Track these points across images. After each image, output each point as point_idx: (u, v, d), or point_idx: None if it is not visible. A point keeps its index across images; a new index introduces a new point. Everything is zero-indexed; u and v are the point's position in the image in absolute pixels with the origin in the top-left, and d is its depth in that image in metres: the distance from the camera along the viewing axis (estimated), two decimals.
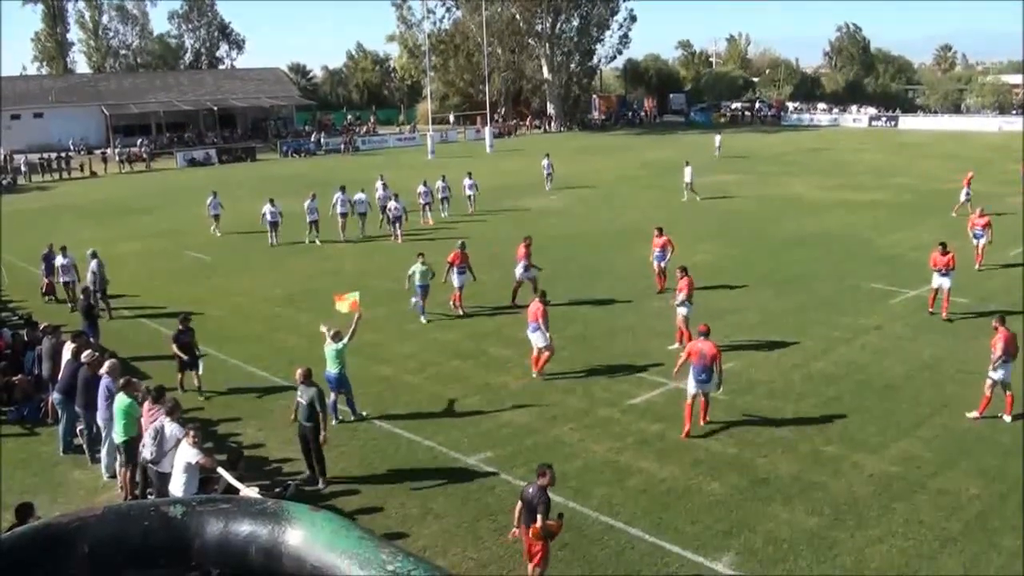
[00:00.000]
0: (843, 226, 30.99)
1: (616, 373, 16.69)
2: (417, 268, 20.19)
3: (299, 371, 13.03)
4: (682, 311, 17.59)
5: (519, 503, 9.74)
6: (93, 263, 22.36)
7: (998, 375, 13.95)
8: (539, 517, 9.21)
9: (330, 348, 14.48)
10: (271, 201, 30.79)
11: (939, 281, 19.40)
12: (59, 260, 23.11)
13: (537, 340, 16.40)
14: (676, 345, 17.35)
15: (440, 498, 12.18)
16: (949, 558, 10.37)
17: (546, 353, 16.45)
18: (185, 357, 16.33)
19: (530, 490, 9.49)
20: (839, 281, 23.05)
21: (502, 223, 33.48)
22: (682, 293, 17.52)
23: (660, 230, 22.13)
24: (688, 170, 37.45)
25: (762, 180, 44.56)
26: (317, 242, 30.41)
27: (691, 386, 13.82)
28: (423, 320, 20.33)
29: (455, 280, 20.93)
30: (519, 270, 21.51)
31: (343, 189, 31.80)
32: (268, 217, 30.58)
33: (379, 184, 33.82)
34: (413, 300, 20.51)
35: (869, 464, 12.70)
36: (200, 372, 16.38)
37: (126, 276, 26.53)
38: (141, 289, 24.89)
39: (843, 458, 12.93)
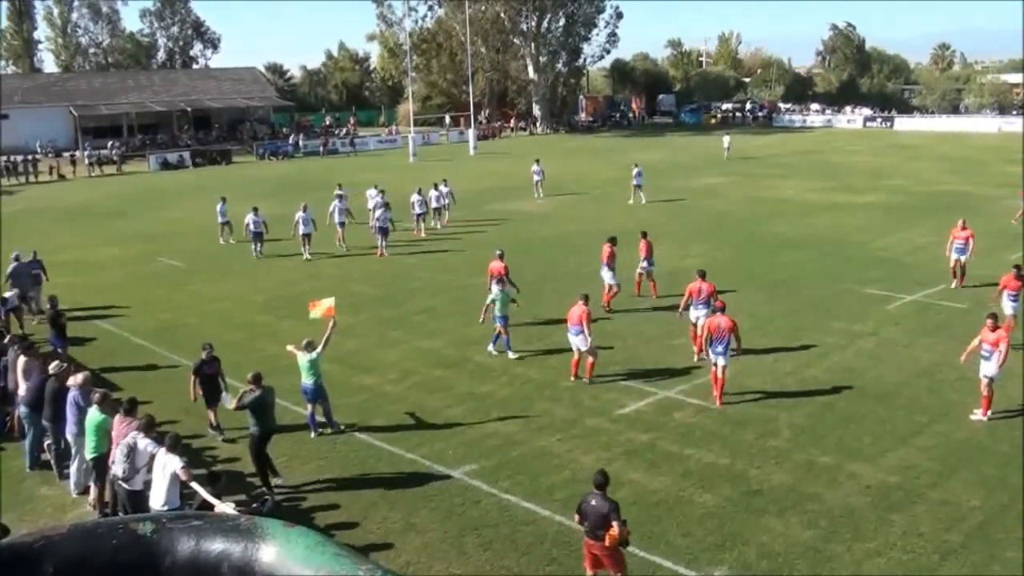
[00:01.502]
0: (836, 229, 31.14)
1: (605, 381, 16.68)
2: (497, 295, 18.31)
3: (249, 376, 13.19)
4: (694, 315, 17.68)
5: (576, 516, 9.79)
6: (10, 267, 22.10)
7: (992, 372, 14.24)
8: (615, 525, 9.25)
9: (304, 359, 14.44)
10: (254, 210, 29.42)
11: (1010, 307, 18.05)
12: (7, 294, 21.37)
13: (579, 344, 16.41)
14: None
15: (423, 512, 12.12)
16: (950, 571, 10.38)
17: (590, 358, 16.49)
18: (200, 393, 14.60)
19: (593, 502, 9.49)
20: (832, 285, 23.14)
21: (488, 228, 33.47)
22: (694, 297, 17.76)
23: (644, 234, 22.34)
24: (636, 171, 38.45)
25: (753, 182, 44.79)
26: (307, 255, 28.69)
27: (712, 357, 15.48)
28: (512, 356, 18.19)
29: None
30: (606, 274, 21.30)
31: (340, 197, 30.68)
32: (251, 227, 29.05)
33: (337, 193, 32.06)
34: (493, 347, 18.57)
35: (866, 474, 12.73)
36: (227, 406, 14.13)
37: (98, 283, 26.40)
38: (113, 296, 24.70)
39: (839, 468, 12.95)
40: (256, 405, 12.87)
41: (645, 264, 22.09)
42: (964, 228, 22.45)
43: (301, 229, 28.68)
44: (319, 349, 14.55)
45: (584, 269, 25.22)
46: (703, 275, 17.89)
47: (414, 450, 14.06)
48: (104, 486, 12.03)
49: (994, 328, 14.46)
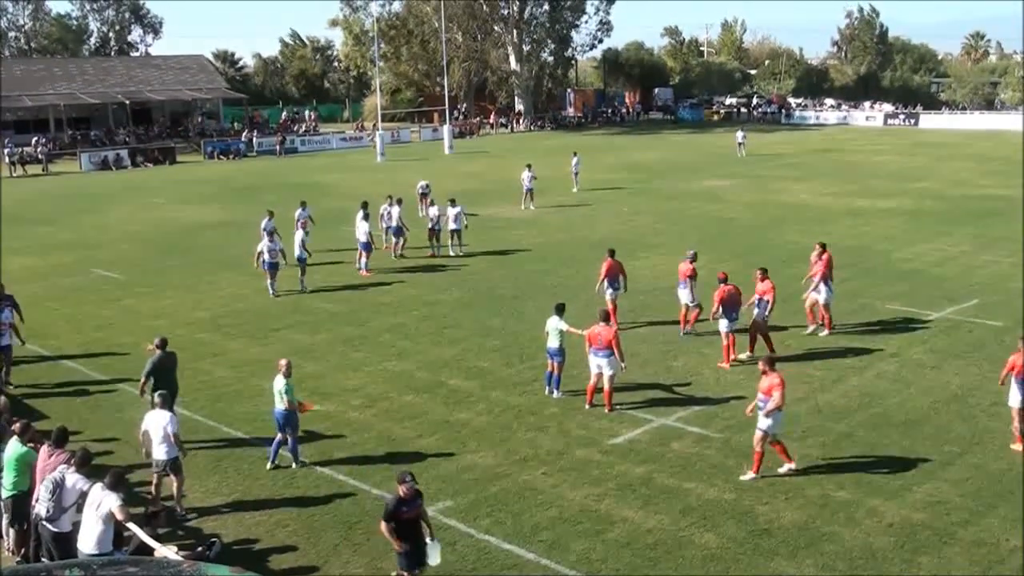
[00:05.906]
0: (855, 237, 31.32)
1: (595, 407, 16.66)
2: (554, 326, 17.16)
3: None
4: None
5: None
6: None
7: (767, 425, 13.62)
8: None
9: (280, 382, 14.33)
10: (269, 235, 26.08)
11: (685, 296, 18.76)
12: None
13: (606, 368, 16.34)
14: (747, 355, 19.00)
15: (391, 556, 11.98)
16: None
17: (607, 386, 16.48)
18: (404, 546, 10.69)
19: None
20: (850, 301, 23.21)
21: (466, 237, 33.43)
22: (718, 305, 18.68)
23: (612, 252, 21.74)
24: (575, 160, 44.13)
25: (762, 184, 45.08)
26: (303, 287, 26.02)
27: (723, 326, 18.45)
28: (556, 395, 17.35)
29: (607, 294, 21.17)
30: (816, 289, 20.84)
31: (365, 208, 28.32)
32: (266, 256, 25.30)
33: (266, 222, 28.98)
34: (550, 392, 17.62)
35: (888, 511, 12.75)
36: (437, 562, 10.94)
37: (19, 297, 26.08)
38: (37, 312, 24.44)
39: (857, 504, 12.97)
40: (153, 369, 14.97)
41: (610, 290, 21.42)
42: (764, 279, 19.28)
43: (298, 252, 26.02)
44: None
45: (570, 282, 25.25)
46: (823, 246, 20.89)
47: (381, 485, 13.96)
48: (25, 528, 11.87)
49: (766, 372, 13.76)
